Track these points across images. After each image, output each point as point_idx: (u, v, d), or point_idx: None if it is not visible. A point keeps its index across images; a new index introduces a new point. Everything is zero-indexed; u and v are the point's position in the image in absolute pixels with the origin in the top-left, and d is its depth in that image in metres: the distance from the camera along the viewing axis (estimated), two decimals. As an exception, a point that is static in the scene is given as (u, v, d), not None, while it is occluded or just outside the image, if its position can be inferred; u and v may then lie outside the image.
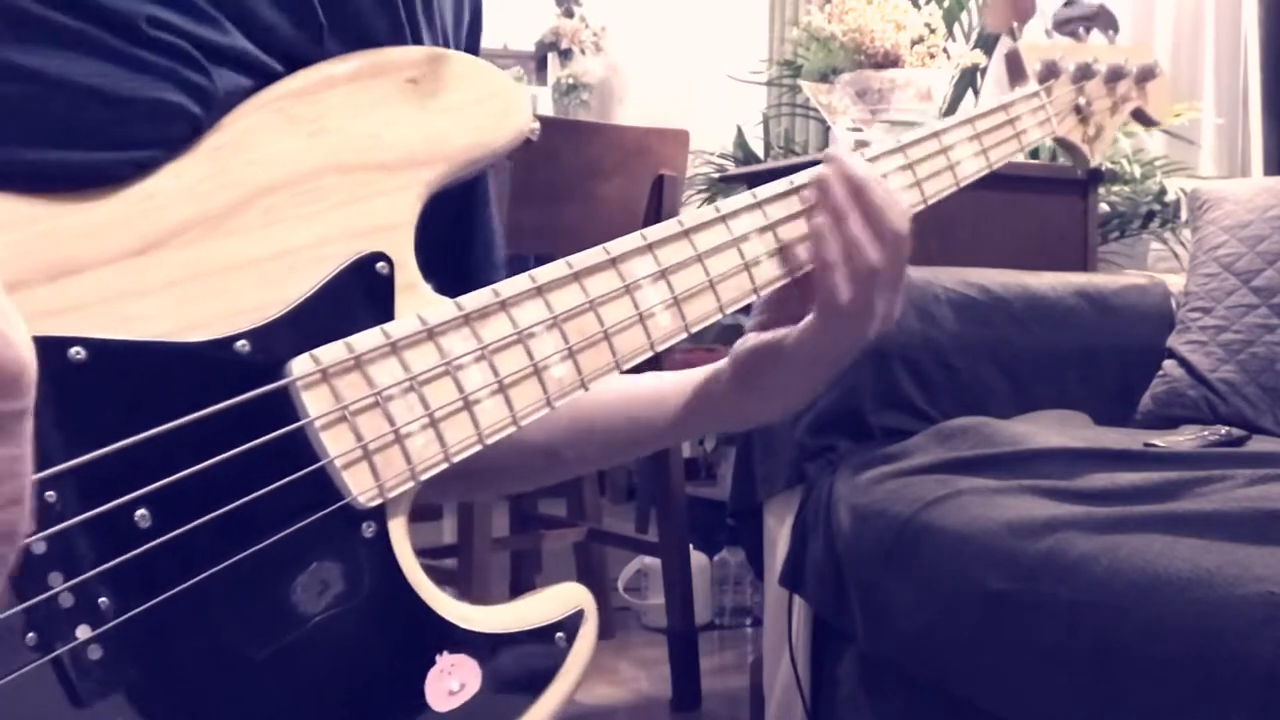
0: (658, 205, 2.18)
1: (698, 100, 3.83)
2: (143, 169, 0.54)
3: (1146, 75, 1.00)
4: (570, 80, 4.56)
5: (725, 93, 3.60)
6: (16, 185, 0.50)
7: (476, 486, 0.81)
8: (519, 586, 2.64)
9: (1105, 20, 1.03)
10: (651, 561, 2.55)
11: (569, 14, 4.61)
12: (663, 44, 4.34)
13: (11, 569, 0.42)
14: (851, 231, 0.68)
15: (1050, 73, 0.93)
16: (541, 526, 2.52)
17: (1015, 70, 0.93)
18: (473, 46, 0.75)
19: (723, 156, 3.32)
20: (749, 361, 0.72)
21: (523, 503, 2.61)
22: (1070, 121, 0.95)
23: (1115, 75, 0.98)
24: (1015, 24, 0.93)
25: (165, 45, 0.55)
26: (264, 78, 0.59)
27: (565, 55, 4.61)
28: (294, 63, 0.60)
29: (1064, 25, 0.98)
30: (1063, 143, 0.96)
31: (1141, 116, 1.03)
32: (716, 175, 3.21)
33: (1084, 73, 0.95)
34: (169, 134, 0.55)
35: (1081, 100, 0.95)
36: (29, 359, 0.40)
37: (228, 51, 0.57)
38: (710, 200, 3.28)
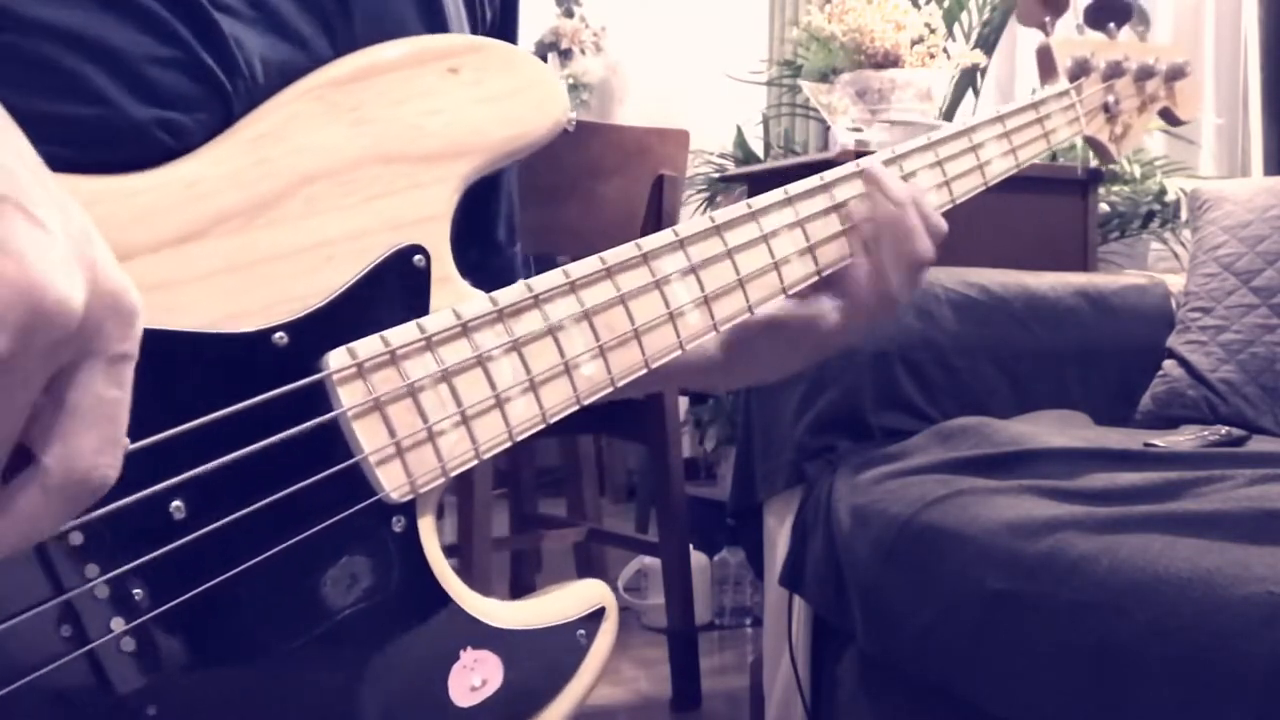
0: (658, 205, 2.17)
1: (698, 100, 3.82)
2: (166, 130, 0.54)
3: (1176, 74, 0.98)
4: (570, 80, 4.56)
5: (725, 93, 3.59)
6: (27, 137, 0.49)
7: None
8: (519, 586, 2.63)
9: (1137, 14, 1.02)
10: (651, 561, 2.54)
11: (569, 14, 4.60)
12: (663, 44, 4.34)
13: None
14: (909, 222, 0.74)
15: (1081, 70, 0.92)
16: (541, 526, 2.51)
17: (1046, 67, 0.92)
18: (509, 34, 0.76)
19: (723, 156, 3.31)
20: (741, 334, 0.76)
21: (523, 503, 2.60)
22: (1099, 120, 0.94)
23: (1145, 74, 0.97)
24: (1048, 18, 0.92)
25: (188, 7, 0.55)
26: (296, 43, 0.58)
27: (565, 55, 4.60)
28: (322, 30, 0.60)
29: (1095, 19, 0.96)
30: (1090, 141, 0.95)
31: (1169, 116, 1.01)
32: (716, 175, 3.20)
33: (1114, 70, 0.94)
34: (187, 95, 0.55)
35: (1110, 98, 0.94)
36: (141, 306, 0.41)
37: (251, 16, 0.57)
38: (710, 200, 3.28)
